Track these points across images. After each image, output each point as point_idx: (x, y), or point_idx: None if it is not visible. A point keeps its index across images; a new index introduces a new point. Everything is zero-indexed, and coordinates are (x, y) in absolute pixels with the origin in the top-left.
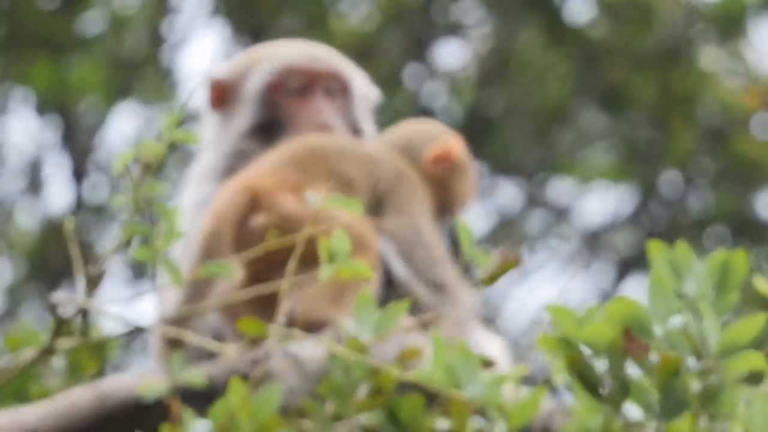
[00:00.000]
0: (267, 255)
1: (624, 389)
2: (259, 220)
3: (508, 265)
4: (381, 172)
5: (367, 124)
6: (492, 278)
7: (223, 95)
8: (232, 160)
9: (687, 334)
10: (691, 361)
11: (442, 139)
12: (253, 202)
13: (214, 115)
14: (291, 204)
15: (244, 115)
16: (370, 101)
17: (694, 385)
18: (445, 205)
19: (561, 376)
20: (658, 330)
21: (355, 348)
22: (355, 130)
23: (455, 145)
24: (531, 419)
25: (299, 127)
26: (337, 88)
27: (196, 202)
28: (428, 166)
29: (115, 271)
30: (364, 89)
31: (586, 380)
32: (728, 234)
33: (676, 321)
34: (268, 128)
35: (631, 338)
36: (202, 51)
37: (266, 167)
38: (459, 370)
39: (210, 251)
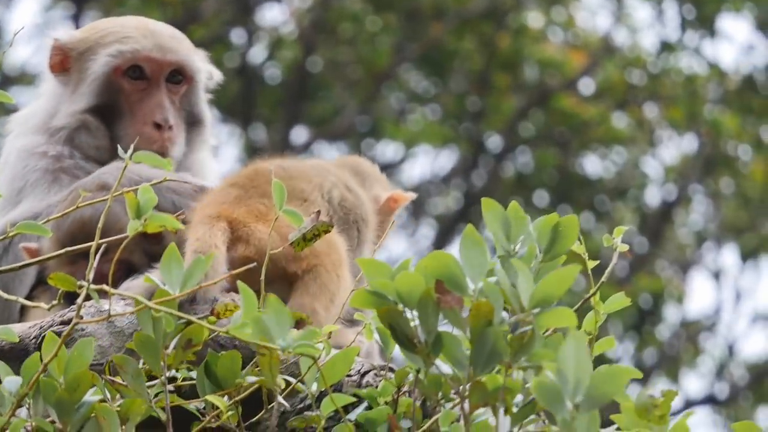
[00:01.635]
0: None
1: (437, 342)
2: (239, 251)
3: (322, 228)
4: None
5: (206, 109)
6: (305, 240)
7: (65, 61)
8: (69, 131)
9: (500, 288)
10: (504, 317)
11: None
12: (233, 233)
13: (51, 78)
14: (264, 234)
15: (85, 93)
16: (211, 84)
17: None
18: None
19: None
20: (471, 284)
21: (165, 303)
22: (195, 119)
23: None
24: (343, 376)
25: (138, 119)
26: (183, 78)
27: (25, 150)
28: (386, 202)
29: None
30: (207, 74)
31: (400, 333)
32: (551, 192)
33: (490, 276)
34: (107, 110)
35: (444, 291)
36: (28, 8)
37: (230, 196)
38: (270, 323)
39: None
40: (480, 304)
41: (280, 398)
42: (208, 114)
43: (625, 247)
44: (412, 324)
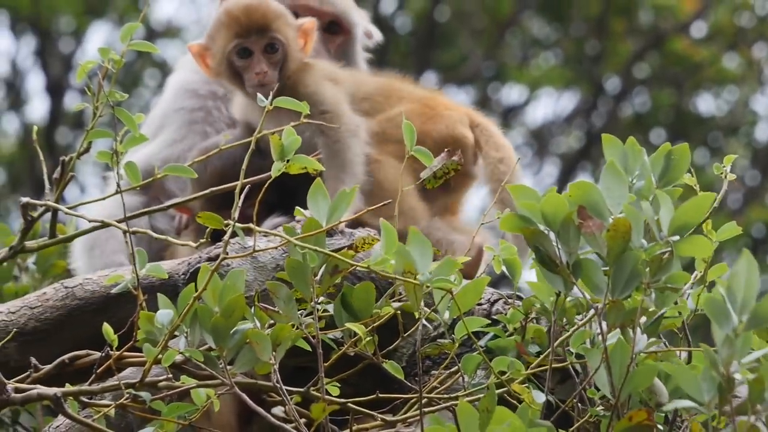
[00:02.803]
0: None
1: (577, 266)
2: None
3: (451, 166)
4: None
5: (361, 63)
6: (436, 178)
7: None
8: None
9: (640, 214)
10: (642, 242)
11: None
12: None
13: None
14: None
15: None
16: (371, 43)
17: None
18: None
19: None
20: (612, 214)
21: (312, 231)
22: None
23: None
24: (473, 305)
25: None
26: (339, 29)
27: (179, 85)
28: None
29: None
30: (366, 31)
31: (544, 254)
32: (667, 130)
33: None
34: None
35: (586, 216)
36: None
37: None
38: (415, 256)
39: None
40: (618, 221)
41: (424, 320)
42: (363, 68)
43: (733, 176)
44: (554, 245)
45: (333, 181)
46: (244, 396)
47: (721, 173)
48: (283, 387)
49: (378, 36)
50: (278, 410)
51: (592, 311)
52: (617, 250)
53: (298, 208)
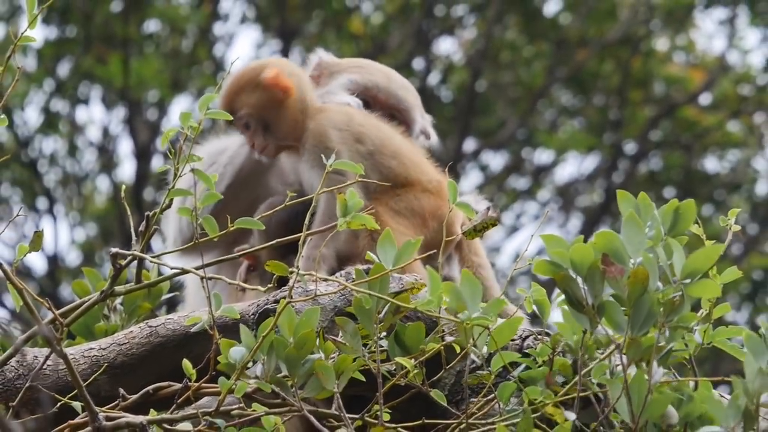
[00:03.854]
0: None
1: (601, 307)
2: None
3: (489, 222)
4: None
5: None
6: (475, 231)
7: (319, 76)
8: None
9: (656, 261)
10: (658, 285)
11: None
12: None
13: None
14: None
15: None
16: (425, 143)
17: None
18: None
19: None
20: (632, 260)
21: (377, 275)
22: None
23: None
24: (508, 341)
25: None
26: (398, 123)
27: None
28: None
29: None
30: (424, 131)
31: (572, 296)
32: (677, 187)
33: (647, 251)
34: None
35: (609, 263)
36: (243, 48)
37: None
38: (465, 296)
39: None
40: (638, 270)
41: (472, 356)
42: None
43: (738, 227)
44: (581, 288)
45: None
46: (312, 418)
47: (726, 224)
48: (345, 413)
49: (434, 138)
50: None
51: (613, 346)
52: (636, 294)
53: (369, 252)
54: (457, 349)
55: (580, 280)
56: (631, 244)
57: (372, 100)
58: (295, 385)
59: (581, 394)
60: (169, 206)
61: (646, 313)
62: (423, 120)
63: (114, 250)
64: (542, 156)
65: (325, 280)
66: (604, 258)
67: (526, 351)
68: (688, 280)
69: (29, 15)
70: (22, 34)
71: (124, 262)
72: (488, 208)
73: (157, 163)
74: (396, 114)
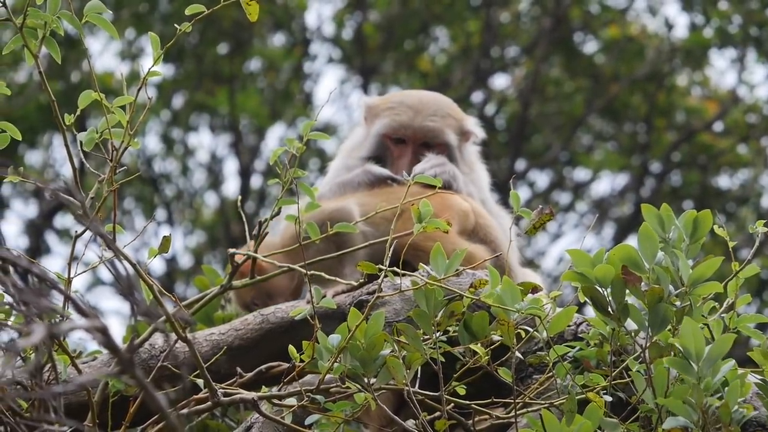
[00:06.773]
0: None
1: (625, 310)
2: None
3: (545, 218)
4: None
5: (459, 159)
6: (534, 228)
7: (367, 117)
8: (362, 160)
9: (668, 269)
10: (671, 288)
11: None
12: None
13: (363, 123)
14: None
15: (367, 145)
16: (477, 141)
17: (673, 307)
18: None
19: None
20: (647, 267)
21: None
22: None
23: None
24: (565, 326)
25: (395, 169)
26: (433, 146)
27: (342, 167)
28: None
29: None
30: (473, 137)
31: (598, 303)
32: (695, 201)
33: (660, 261)
34: (379, 158)
35: (628, 273)
36: (329, 84)
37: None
38: (505, 294)
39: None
40: (654, 289)
41: (516, 352)
42: (470, 160)
43: (765, 229)
44: (605, 297)
45: None
46: (384, 407)
47: (754, 232)
48: (416, 403)
49: (481, 134)
50: (410, 423)
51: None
52: (653, 303)
53: (421, 264)
54: (514, 340)
55: (602, 290)
56: (644, 253)
57: (405, 137)
58: (369, 377)
59: (617, 381)
60: (278, 214)
61: (661, 318)
62: (464, 123)
63: (232, 250)
64: (581, 174)
65: (408, 275)
66: (623, 269)
67: (580, 335)
68: (695, 287)
69: (155, 53)
70: (150, 69)
71: (240, 261)
72: (542, 207)
73: (256, 182)
74: (429, 142)
